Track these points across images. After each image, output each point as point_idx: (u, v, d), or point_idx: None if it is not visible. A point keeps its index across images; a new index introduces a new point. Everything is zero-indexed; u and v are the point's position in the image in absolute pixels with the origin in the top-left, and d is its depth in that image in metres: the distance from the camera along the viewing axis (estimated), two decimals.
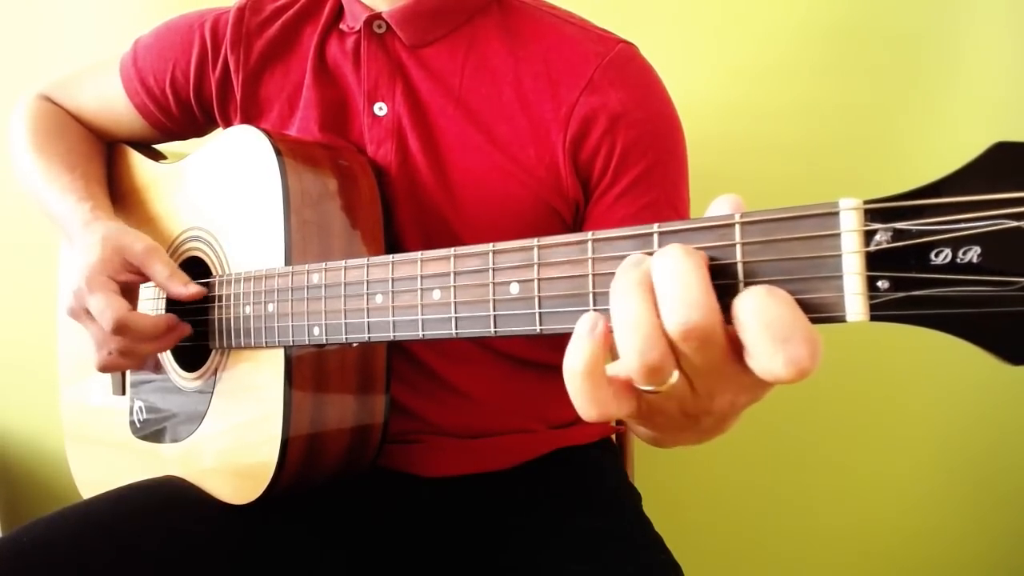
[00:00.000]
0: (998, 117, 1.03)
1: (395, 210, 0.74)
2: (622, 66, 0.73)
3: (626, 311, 0.35)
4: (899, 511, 1.20)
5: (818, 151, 1.11)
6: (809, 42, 1.09)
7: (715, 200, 0.37)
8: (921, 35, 1.06)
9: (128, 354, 0.70)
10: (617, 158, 0.71)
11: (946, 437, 1.16)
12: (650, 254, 0.36)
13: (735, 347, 0.35)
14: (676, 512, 0.99)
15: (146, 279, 0.71)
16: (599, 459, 0.86)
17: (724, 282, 0.35)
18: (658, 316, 0.34)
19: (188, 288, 0.68)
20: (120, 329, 0.66)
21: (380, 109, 0.75)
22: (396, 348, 0.74)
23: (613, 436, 0.95)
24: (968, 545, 1.19)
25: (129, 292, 0.71)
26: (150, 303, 0.78)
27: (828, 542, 1.22)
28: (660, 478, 1.09)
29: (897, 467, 1.18)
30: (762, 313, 0.32)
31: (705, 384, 0.36)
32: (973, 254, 0.30)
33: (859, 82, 1.08)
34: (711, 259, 0.36)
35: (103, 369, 0.72)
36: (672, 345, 0.35)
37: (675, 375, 0.35)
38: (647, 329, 0.34)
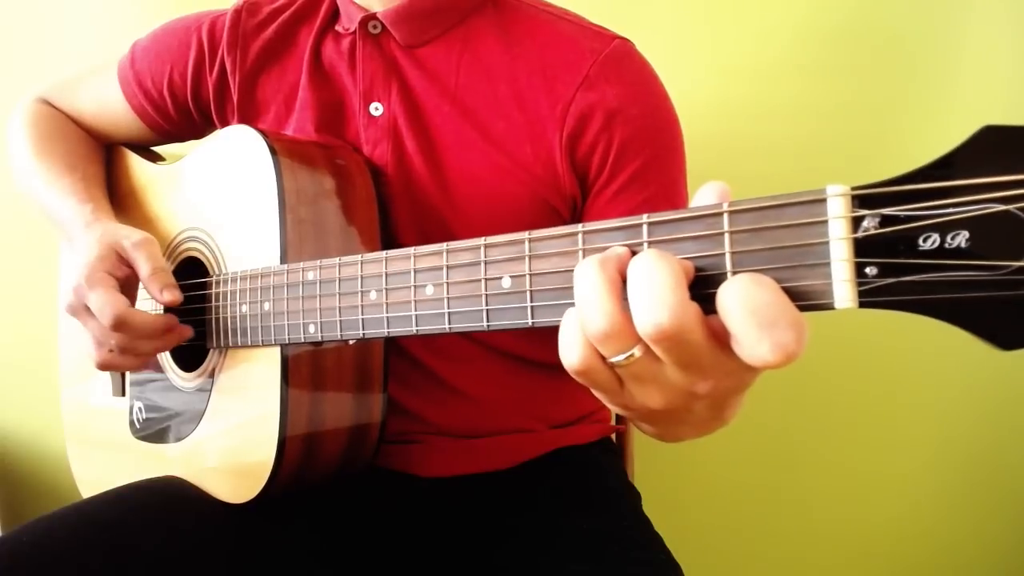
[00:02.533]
0: (997, 117, 1.02)
1: (392, 210, 0.74)
2: (618, 62, 0.72)
3: (579, 282, 0.36)
4: (899, 511, 1.19)
5: (815, 151, 1.10)
6: (806, 41, 1.09)
7: (701, 188, 0.37)
8: (919, 35, 1.06)
9: (127, 351, 0.70)
10: (614, 154, 0.71)
11: (946, 437, 1.16)
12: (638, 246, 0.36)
13: (717, 337, 0.35)
14: (676, 512, 0.99)
15: None
16: (599, 459, 0.86)
17: (712, 273, 0.35)
18: (610, 294, 0.35)
19: (162, 294, 0.68)
20: (119, 325, 0.66)
21: (376, 109, 0.75)
22: (394, 348, 0.74)
23: (613, 436, 0.95)
24: (968, 545, 1.18)
25: (129, 288, 0.71)
26: (149, 302, 0.78)
27: (828, 542, 1.22)
28: (660, 478, 1.09)
29: (897, 467, 1.18)
30: (747, 300, 0.32)
31: (683, 373, 0.36)
32: (961, 239, 0.30)
33: (857, 81, 1.08)
34: (699, 255, 0.36)
35: (102, 367, 0.72)
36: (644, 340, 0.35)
37: (636, 351, 0.36)
38: (594, 305, 0.35)
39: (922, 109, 1.07)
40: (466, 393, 0.79)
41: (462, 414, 0.79)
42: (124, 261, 0.70)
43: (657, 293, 0.34)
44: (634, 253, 0.37)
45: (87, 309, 0.68)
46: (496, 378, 0.80)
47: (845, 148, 1.10)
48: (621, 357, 0.36)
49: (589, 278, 0.36)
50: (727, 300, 0.33)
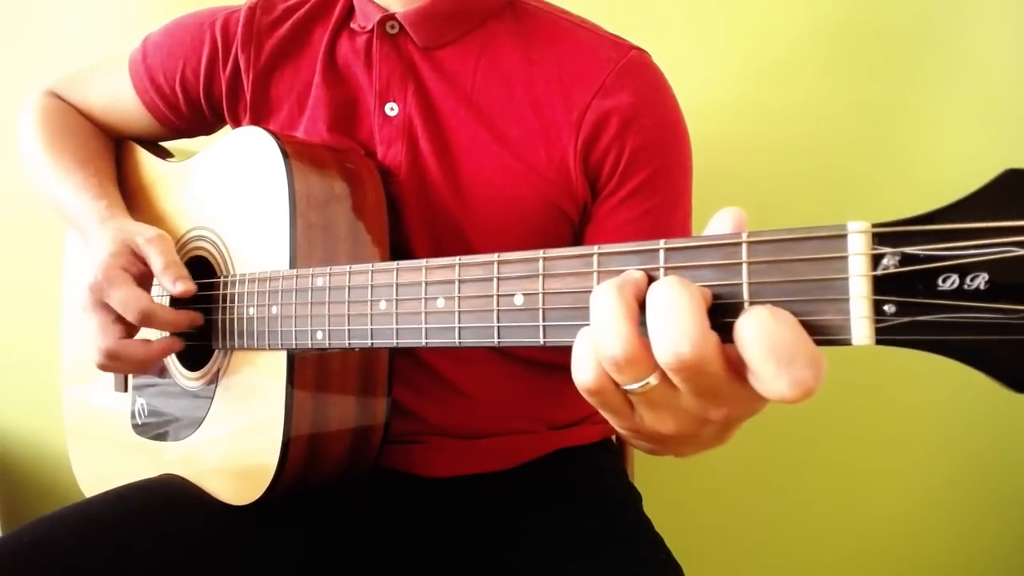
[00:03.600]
0: (1000, 117, 1.03)
1: (404, 211, 0.74)
2: (635, 72, 0.73)
3: (596, 306, 0.36)
4: (899, 511, 1.20)
5: (820, 152, 1.10)
6: (812, 43, 1.09)
7: (717, 214, 0.37)
8: (924, 35, 1.05)
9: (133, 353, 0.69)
10: (625, 161, 0.72)
11: (947, 437, 1.16)
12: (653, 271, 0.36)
13: (733, 366, 0.35)
14: (676, 512, 0.99)
15: None
16: (599, 459, 0.86)
17: (729, 302, 0.35)
18: (628, 321, 0.35)
19: (175, 285, 0.67)
20: (146, 319, 0.66)
21: (391, 109, 0.75)
22: (399, 349, 0.74)
23: (613, 436, 0.95)
24: (968, 545, 1.19)
25: (143, 285, 0.71)
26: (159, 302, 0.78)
27: (828, 542, 1.23)
28: (660, 478, 1.09)
29: (897, 467, 1.19)
30: (766, 335, 0.32)
31: (698, 401, 0.36)
32: (981, 281, 0.30)
33: (861, 83, 1.08)
34: (715, 283, 0.36)
35: (108, 355, 0.70)
36: (663, 370, 0.35)
37: (652, 380, 0.36)
38: (610, 328, 0.35)
39: (928, 109, 1.07)
40: (468, 394, 0.79)
41: (464, 415, 0.79)
42: (138, 257, 0.70)
43: (678, 323, 0.33)
44: (651, 279, 0.37)
45: (104, 306, 0.68)
46: (498, 379, 0.80)
47: (851, 149, 1.10)
48: (636, 386, 0.36)
49: (606, 303, 0.36)
50: (745, 334, 0.33)
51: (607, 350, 0.35)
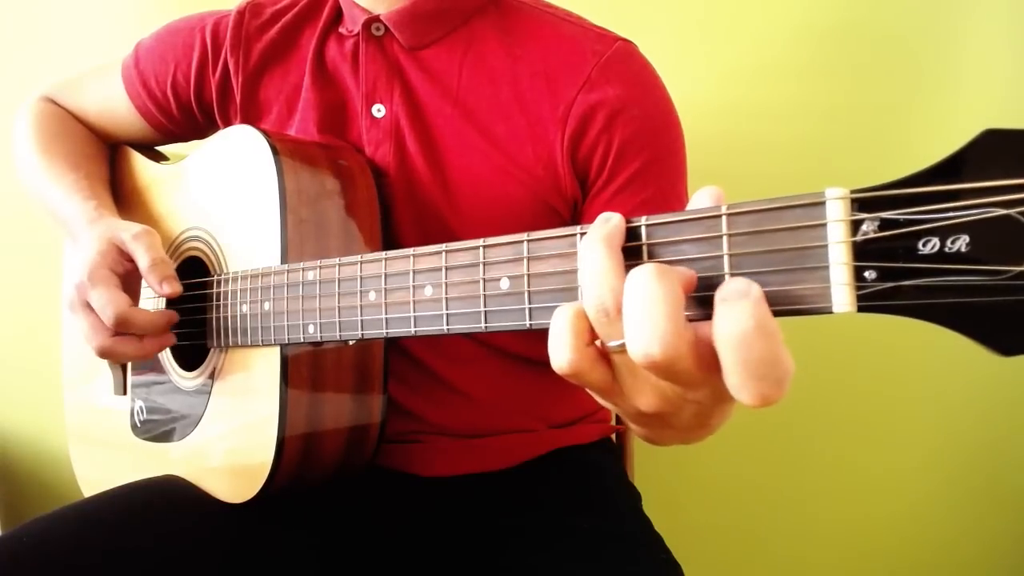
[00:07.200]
0: (997, 117, 1.02)
1: (394, 211, 0.74)
2: (620, 63, 0.72)
3: (587, 261, 0.36)
4: (899, 510, 1.19)
5: (815, 151, 1.10)
6: (806, 42, 1.09)
7: (696, 192, 0.37)
8: (919, 35, 1.06)
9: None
10: (614, 154, 0.71)
11: (946, 437, 1.16)
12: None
13: (705, 362, 0.34)
14: (676, 512, 0.99)
15: None
16: (599, 459, 0.86)
17: (710, 274, 0.35)
18: (619, 275, 0.35)
19: (162, 286, 0.67)
20: (121, 324, 0.66)
21: (378, 111, 0.75)
22: (395, 348, 0.74)
23: (613, 436, 0.94)
24: (967, 544, 1.18)
25: (131, 284, 0.71)
26: (151, 302, 0.79)
27: (828, 542, 1.22)
28: (660, 478, 1.09)
29: (897, 466, 1.18)
30: (743, 350, 0.31)
31: (671, 385, 0.36)
32: (961, 243, 0.30)
33: (856, 82, 1.08)
34: (696, 256, 0.35)
35: (102, 354, 0.71)
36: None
37: None
38: (603, 281, 0.35)
39: (922, 109, 1.07)
40: (467, 393, 0.79)
41: (462, 414, 0.79)
42: (125, 256, 0.70)
43: (652, 322, 0.33)
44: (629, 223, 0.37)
45: (87, 306, 0.69)
46: (496, 378, 0.80)
47: (845, 148, 1.10)
48: (617, 343, 0.36)
49: (597, 259, 0.36)
50: (723, 339, 0.32)
51: (599, 301, 0.35)
